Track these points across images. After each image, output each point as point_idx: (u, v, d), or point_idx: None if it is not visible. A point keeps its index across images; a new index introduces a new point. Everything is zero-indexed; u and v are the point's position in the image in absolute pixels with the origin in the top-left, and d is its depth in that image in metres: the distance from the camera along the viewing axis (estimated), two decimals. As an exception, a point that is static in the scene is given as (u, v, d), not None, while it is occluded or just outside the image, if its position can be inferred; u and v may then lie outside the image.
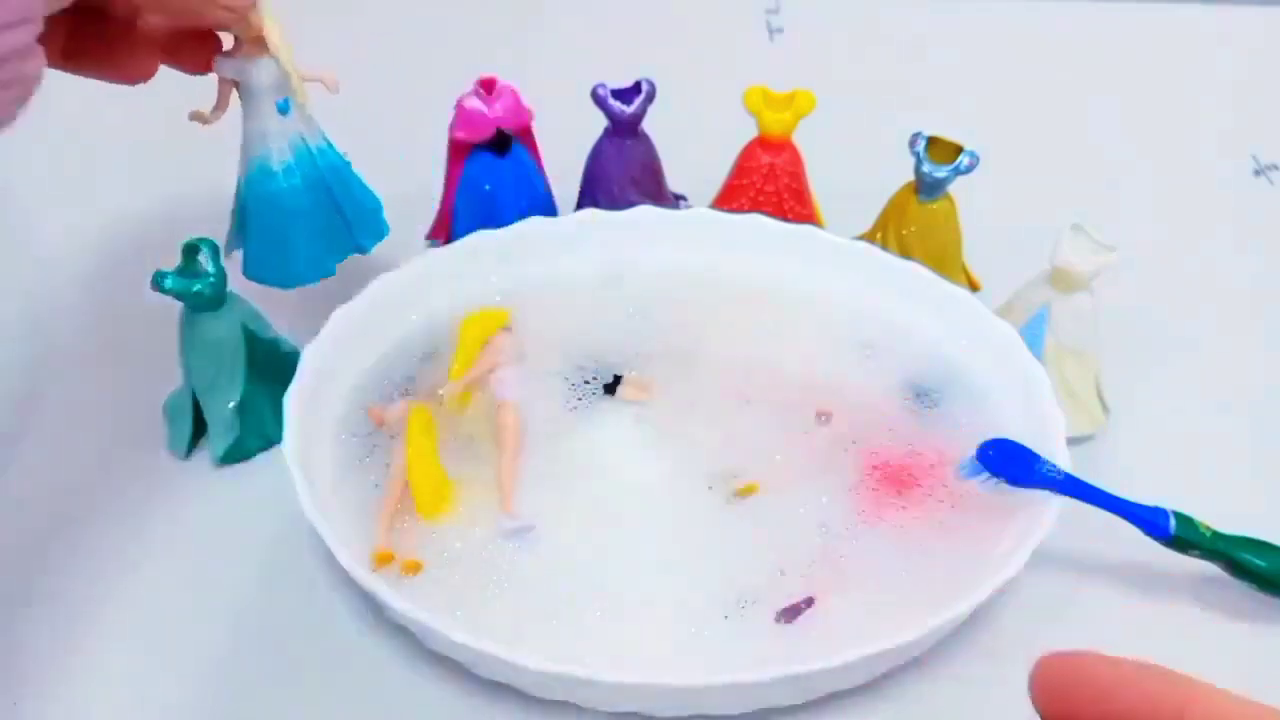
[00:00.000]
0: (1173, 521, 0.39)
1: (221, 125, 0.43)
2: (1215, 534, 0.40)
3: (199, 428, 0.46)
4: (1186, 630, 0.41)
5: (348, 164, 0.46)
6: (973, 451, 0.40)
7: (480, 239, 0.49)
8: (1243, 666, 0.38)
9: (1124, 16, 0.80)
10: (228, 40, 0.42)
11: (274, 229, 0.45)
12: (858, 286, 0.49)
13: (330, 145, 0.46)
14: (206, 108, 0.43)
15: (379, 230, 0.48)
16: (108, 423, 0.48)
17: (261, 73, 0.42)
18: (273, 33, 0.41)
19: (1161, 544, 0.39)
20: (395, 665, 0.39)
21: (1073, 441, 0.44)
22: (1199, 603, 0.41)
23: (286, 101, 0.43)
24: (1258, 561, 0.40)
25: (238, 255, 0.46)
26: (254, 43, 0.42)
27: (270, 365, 0.46)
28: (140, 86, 0.40)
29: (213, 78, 0.43)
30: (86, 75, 0.38)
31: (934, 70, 0.74)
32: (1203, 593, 0.42)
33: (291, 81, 0.42)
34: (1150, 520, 0.39)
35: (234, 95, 0.43)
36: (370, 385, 0.45)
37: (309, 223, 0.45)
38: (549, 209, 0.53)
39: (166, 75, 0.41)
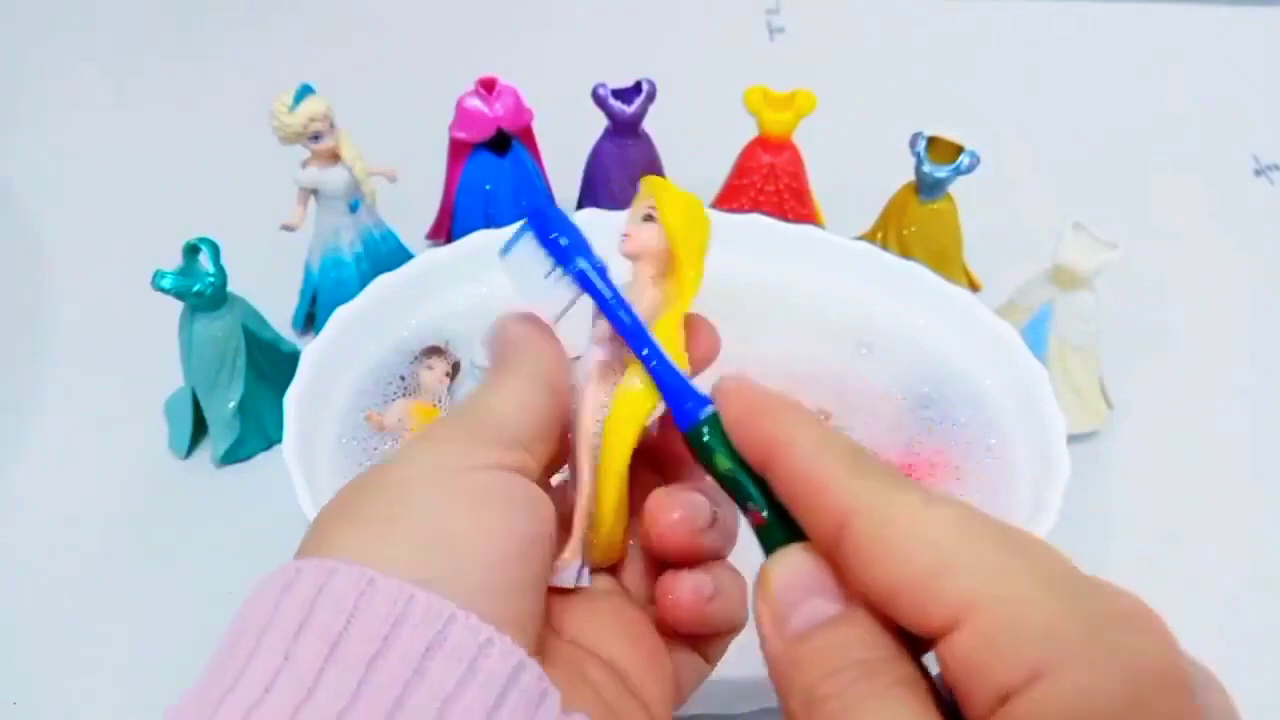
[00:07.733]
0: (706, 414, 0.25)
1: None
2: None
3: (199, 428, 0.46)
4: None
5: (404, 246, 0.52)
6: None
7: (480, 239, 0.49)
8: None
9: (1125, 17, 0.80)
10: (304, 153, 0.47)
11: None
12: (858, 286, 0.49)
13: (391, 231, 0.51)
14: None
15: None
16: (108, 423, 0.48)
17: (336, 180, 0.47)
18: (346, 147, 0.46)
19: (681, 434, 0.26)
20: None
21: (1077, 437, 0.44)
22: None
23: (357, 202, 0.49)
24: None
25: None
26: (328, 155, 0.47)
27: (270, 365, 0.46)
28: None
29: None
30: None
31: (934, 70, 0.74)
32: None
33: (362, 186, 0.48)
34: (682, 403, 0.26)
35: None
36: (370, 385, 0.45)
37: None
38: (549, 209, 0.54)
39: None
